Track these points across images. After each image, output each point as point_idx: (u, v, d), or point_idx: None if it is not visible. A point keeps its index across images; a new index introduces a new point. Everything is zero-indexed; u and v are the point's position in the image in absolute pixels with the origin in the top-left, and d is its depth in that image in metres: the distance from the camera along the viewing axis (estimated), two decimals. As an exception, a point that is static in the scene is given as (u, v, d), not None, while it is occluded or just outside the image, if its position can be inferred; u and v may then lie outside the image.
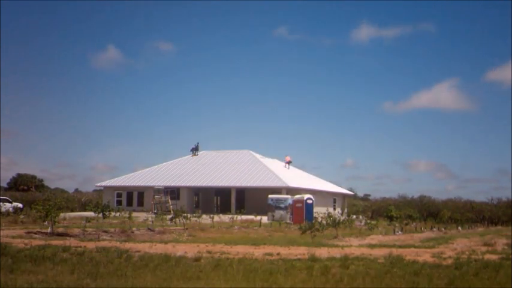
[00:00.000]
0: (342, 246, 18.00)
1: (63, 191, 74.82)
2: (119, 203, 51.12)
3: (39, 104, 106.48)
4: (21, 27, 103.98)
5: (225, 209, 49.83)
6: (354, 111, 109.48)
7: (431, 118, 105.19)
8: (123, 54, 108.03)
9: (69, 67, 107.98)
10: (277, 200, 41.40)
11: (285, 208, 40.35)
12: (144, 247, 16.63)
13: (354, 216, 42.81)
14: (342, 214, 46.13)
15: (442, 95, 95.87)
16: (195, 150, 58.94)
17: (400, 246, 18.15)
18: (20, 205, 48.14)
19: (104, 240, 19.69)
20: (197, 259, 13.73)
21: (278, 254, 15.21)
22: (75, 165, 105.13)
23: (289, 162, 57.00)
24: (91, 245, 16.63)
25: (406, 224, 38.73)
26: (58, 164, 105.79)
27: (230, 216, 38.04)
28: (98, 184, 57.37)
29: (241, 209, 43.54)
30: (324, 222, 25.98)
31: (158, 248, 16.47)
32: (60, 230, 24.15)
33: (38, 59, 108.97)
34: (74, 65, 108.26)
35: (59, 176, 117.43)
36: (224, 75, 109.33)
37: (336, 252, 15.59)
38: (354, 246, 18.33)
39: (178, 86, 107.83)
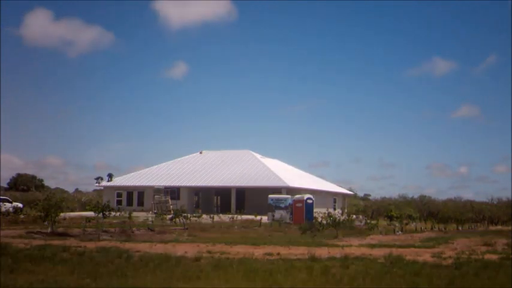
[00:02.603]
0: (342, 246, 17.98)
1: (63, 191, 74.85)
2: (119, 202, 51.15)
3: (40, 103, 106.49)
4: (15, 27, 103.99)
5: (225, 208, 49.86)
6: (354, 111, 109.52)
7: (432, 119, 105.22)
8: (124, 54, 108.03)
9: (69, 67, 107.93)
10: (278, 200, 41.38)
11: (285, 208, 40.32)
12: (144, 247, 16.63)
13: (354, 216, 42.76)
14: (342, 214, 46.11)
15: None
16: (109, 177, 56.53)
17: (400, 246, 18.16)
18: (20, 205, 48.12)
19: (104, 240, 19.69)
20: (197, 259, 13.72)
21: (278, 254, 15.20)
22: (76, 165, 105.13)
23: None
24: (91, 245, 16.63)
25: (406, 224, 38.65)
26: (58, 163, 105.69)
27: (230, 216, 38.05)
28: (98, 184, 57.42)
29: (241, 209, 43.58)
30: (324, 222, 25.97)
31: (158, 248, 16.47)
32: (60, 230, 24.15)
33: (37, 58, 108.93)
34: (74, 65, 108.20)
35: (59, 176, 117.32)
36: (224, 75, 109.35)
37: (336, 252, 15.58)
38: (354, 246, 18.32)
39: (179, 85, 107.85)
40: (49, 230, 22.85)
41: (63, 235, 21.73)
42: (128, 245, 16.95)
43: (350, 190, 66.90)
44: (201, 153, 60.32)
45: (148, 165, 58.41)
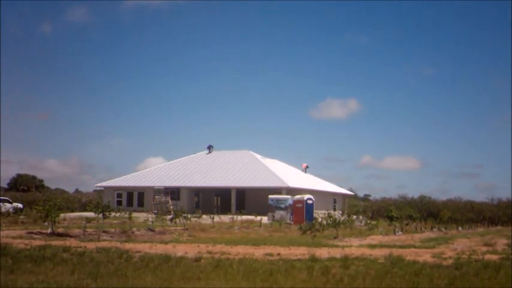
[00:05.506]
0: (342, 247, 17.99)
1: (63, 191, 74.83)
2: (119, 203, 51.08)
3: (40, 103, 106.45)
4: (15, 26, 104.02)
5: (225, 209, 49.84)
6: (354, 110, 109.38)
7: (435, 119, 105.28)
8: (123, 54, 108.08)
9: (70, 67, 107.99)
10: (278, 200, 41.41)
11: (285, 208, 40.34)
12: (145, 247, 16.63)
13: (354, 217, 42.78)
14: (342, 214, 46.10)
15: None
16: (211, 147, 60.55)
17: (400, 247, 18.15)
18: (20, 205, 48.17)
19: (104, 240, 19.69)
20: (197, 259, 13.74)
21: (278, 254, 15.21)
22: (76, 165, 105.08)
23: (306, 167, 58.43)
24: (91, 246, 16.64)
25: (407, 224, 38.71)
26: (58, 163, 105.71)
27: (230, 216, 38.07)
28: (98, 184, 57.50)
29: (241, 209, 43.55)
30: (324, 222, 25.95)
31: (158, 249, 16.47)
32: (61, 230, 24.15)
33: (37, 59, 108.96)
34: (74, 65, 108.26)
35: (59, 176, 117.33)
36: (224, 75, 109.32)
37: (336, 253, 15.58)
38: (354, 247, 18.32)
39: (179, 86, 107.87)
40: (49, 230, 22.84)
41: (64, 235, 21.73)
42: (128, 246, 16.96)
43: (350, 190, 66.91)
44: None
45: (148, 166, 58.53)
